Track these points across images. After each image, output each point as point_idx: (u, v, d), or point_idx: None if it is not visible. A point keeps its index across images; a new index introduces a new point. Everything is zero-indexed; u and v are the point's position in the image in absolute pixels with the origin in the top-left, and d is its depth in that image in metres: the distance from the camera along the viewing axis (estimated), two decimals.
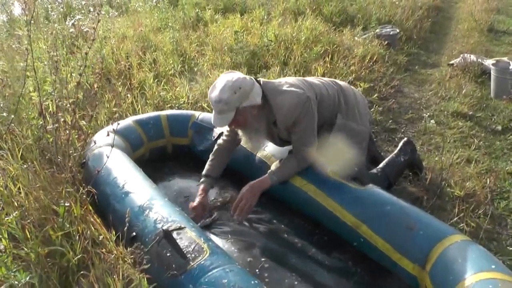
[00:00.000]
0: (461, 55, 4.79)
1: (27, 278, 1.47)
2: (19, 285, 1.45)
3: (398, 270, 1.87)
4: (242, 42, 4.52)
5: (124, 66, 4.04)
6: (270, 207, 2.37)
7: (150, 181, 2.16)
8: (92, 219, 1.95)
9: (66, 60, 3.77)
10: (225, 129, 2.40)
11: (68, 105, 2.61)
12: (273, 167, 2.27)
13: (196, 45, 5.04)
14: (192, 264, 1.58)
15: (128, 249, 1.73)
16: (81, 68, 2.51)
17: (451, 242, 1.74)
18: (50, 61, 3.16)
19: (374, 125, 3.43)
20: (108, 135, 2.41)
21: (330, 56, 4.41)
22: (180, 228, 1.74)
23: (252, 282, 1.53)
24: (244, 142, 2.43)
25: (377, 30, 5.36)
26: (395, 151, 2.63)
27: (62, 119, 2.49)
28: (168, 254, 1.65)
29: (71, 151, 2.37)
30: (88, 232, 1.83)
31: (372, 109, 3.61)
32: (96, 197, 2.08)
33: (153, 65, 4.39)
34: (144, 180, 2.13)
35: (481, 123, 3.54)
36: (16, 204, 1.87)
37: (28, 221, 1.77)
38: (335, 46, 4.71)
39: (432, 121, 3.57)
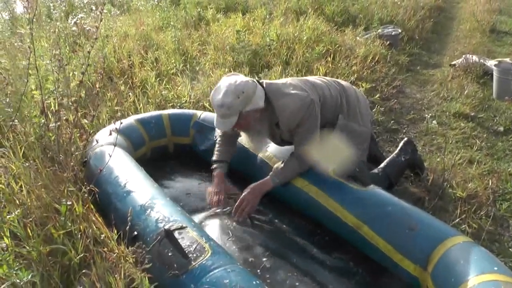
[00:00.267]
0: (463, 56, 4.78)
1: (29, 277, 1.47)
2: (21, 283, 1.45)
3: (399, 271, 1.87)
4: (244, 42, 4.52)
5: (126, 65, 4.04)
6: (271, 208, 2.37)
7: (151, 180, 2.15)
8: (93, 218, 1.95)
9: (68, 59, 3.76)
10: None
11: (70, 104, 2.61)
12: (274, 169, 2.27)
13: (198, 44, 5.04)
14: (194, 264, 1.58)
15: (130, 248, 1.73)
16: (83, 66, 2.51)
17: (453, 243, 1.74)
18: (52, 60, 3.16)
19: (376, 126, 3.42)
20: (110, 134, 2.41)
21: (332, 56, 4.41)
22: (181, 228, 1.74)
23: (254, 282, 1.52)
24: (246, 142, 2.43)
25: (379, 30, 5.35)
26: (396, 151, 2.63)
27: (64, 118, 2.49)
28: (169, 254, 1.65)
29: (73, 150, 2.37)
30: (90, 231, 1.82)
31: (374, 110, 3.61)
32: (97, 196, 2.08)
33: (155, 64, 4.39)
34: (146, 179, 2.13)
35: (483, 124, 3.53)
36: (18, 202, 1.87)
37: (30, 219, 1.77)
38: (337, 46, 4.71)
39: (434, 121, 3.56)
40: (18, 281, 1.45)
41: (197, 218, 2.31)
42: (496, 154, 3.08)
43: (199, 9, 6.38)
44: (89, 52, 2.30)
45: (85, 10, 6.20)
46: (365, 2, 6.62)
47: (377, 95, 3.92)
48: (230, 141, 2.44)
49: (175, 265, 1.60)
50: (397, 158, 2.58)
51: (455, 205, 2.43)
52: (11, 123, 2.41)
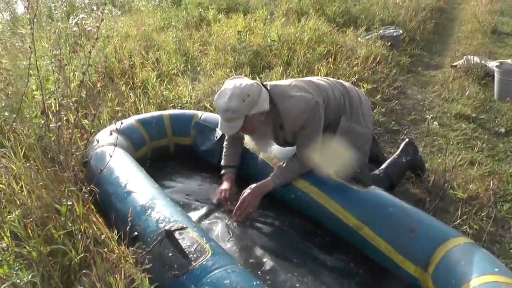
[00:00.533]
0: (465, 57, 4.77)
1: (29, 277, 1.47)
2: (21, 283, 1.45)
3: (400, 272, 1.87)
4: (245, 42, 4.52)
5: (127, 65, 4.04)
6: (272, 208, 2.36)
7: (152, 180, 2.15)
8: (94, 218, 1.95)
9: (69, 59, 3.77)
10: None
11: (71, 104, 2.61)
12: (275, 169, 2.27)
13: (199, 44, 5.04)
14: (194, 264, 1.58)
15: (130, 248, 1.73)
16: (84, 67, 2.51)
17: (453, 244, 1.74)
18: (53, 60, 3.16)
19: (377, 127, 3.42)
20: (111, 134, 2.41)
21: (333, 57, 4.40)
22: (182, 228, 1.74)
23: (254, 282, 1.52)
24: (249, 144, 2.43)
25: (380, 31, 5.35)
26: (397, 152, 2.62)
27: (65, 118, 2.49)
28: (170, 254, 1.65)
29: (73, 150, 2.37)
30: (90, 231, 1.82)
31: (375, 110, 3.60)
32: (98, 196, 2.08)
33: (156, 64, 4.39)
34: (146, 180, 2.13)
35: (484, 125, 3.53)
36: (18, 202, 1.87)
37: (30, 219, 1.77)
38: (338, 46, 4.71)
39: (435, 122, 3.56)
40: (18, 281, 1.45)
41: (197, 218, 2.31)
42: (497, 156, 3.07)
43: (200, 10, 6.38)
44: (89, 52, 2.30)
45: (86, 10, 6.21)
46: (367, 3, 6.61)
47: (378, 96, 3.91)
48: (237, 142, 2.46)
49: (175, 266, 1.60)
50: (398, 159, 2.57)
51: (456, 206, 2.42)
52: (12, 123, 2.41)
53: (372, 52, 4.69)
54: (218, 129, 2.64)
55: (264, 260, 2.02)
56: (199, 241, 1.68)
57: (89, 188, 2.02)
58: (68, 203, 1.81)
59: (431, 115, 3.69)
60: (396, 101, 3.95)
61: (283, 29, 5.13)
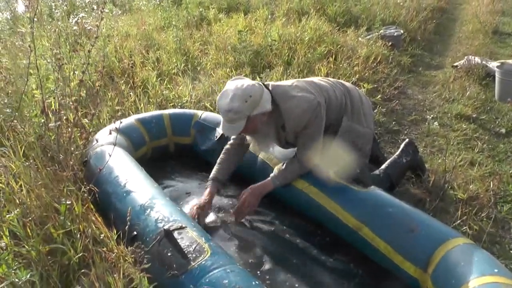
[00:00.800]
0: (465, 57, 4.77)
1: (28, 276, 1.47)
2: (20, 282, 1.45)
3: (399, 272, 1.86)
4: (245, 42, 4.51)
5: (127, 64, 4.03)
6: (272, 208, 2.36)
7: (151, 180, 2.15)
8: (93, 218, 1.95)
9: (69, 58, 3.77)
10: None
11: (71, 103, 2.61)
12: (275, 170, 2.26)
13: (199, 44, 5.04)
14: (193, 264, 1.57)
15: (129, 248, 1.72)
16: (84, 66, 2.51)
17: (453, 245, 1.74)
18: (53, 59, 3.16)
19: (377, 127, 3.42)
20: (110, 133, 2.40)
21: (333, 57, 4.40)
22: (181, 228, 1.74)
23: (253, 283, 1.52)
24: (251, 146, 2.42)
25: (381, 31, 5.34)
26: (397, 152, 2.62)
27: (65, 117, 2.49)
28: (169, 254, 1.64)
29: (72, 149, 2.37)
30: (89, 230, 1.82)
31: (376, 110, 3.60)
32: (97, 195, 2.07)
33: (156, 63, 4.39)
34: (146, 179, 2.13)
35: (485, 126, 3.52)
36: (17, 201, 1.87)
37: (30, 218, 1.77)
38: (338, 46, 4.70)
39: (436, 123, 3.55)
40: (17, 280, 1.45)
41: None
42: (498, 156, 3.07)
43: (201, 9, 6.38)
44: (89, 51, 2.30)
45: (86, 9, 6.21)
46: (368, 2, 6.60)
47: (379, 96, 3.91)
48: (233, 159, 2.35)
49: (174, 265, 1.60)
50: (399, 159, 2.57)
51: (456, 206, 2.42)
52: (11, 122, 2.41)
53: (372, 52, 4.68)
54: (218, 129, 2.65)
55: (264, 260, 2.01)
56: (198, 241, 1.67)
57: (88, 187, 2.02)
58: (67, 202, 1.80)
59: (432, 115, 3.68)
60: (397, 101, 3.95)
61: (283, 28, 5.13)
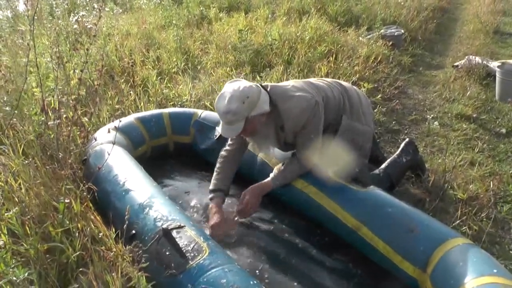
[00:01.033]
0: (466, 57, 4.76)
1: (26, 274, 1.46)
2: (18, 281, 1.45)
3: (399, 272, 1.86)
4: (246, 41, 4.51)
5: (128, 63, 4.03)
6: (271, 208, 2.36)
7: (150, 179, 2.15)
8: (92, 216, 1.94)
9: (69, 56, 3.76)
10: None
11: (71, 101, 2.61)
12: (275, 170, 2.26)
13: (200, 43, 5.04)
14: (191, 263, 1.57)
15: (128, 247, 1.72)
16: (84, 64, 2.51)
17: (452, 245, 1.73)
18: (52, 57, 3.16)
19: (377, 126, 3.41)
20: (109, 132, 2.40)
21: (334, 56, 4.39)
22: (179, 227, 1.73)
23: (251, 282, 1.52)
24: (251, 147, 2.42)
25: (382, 31, 5.34)
26: (397, 152, 2.61)
27: (64, 116, 2.48)
28: (167, 253, 1.64)
29: (72, 148, 2.37)
30: (88, 229, 1.82)
31: (376, 110, 3.59)
32: (96, 194, 2.07)
33: (156, 62, 4.39)
34: (145, 178, 2.13)
35: (485, 126, 3.51)
36: (16, 199, 1.87)
37: (28, 217, 1.76)
38: (339, 46, 4.70)
39: (436, 123, 3.55)
40: (14, 278, 1.44)
41: (196, 217, 2.31)
42: (498, 156, 3.06)
43: (201, 8, 6.37)
44: (87, 50, 2.29)
45: (87, 8, 6.20)
46: (368, 2, 6.60)
47: (379, 96, 3.90)
48: (231, 165, 2.32)
49: (172, 264, 1.60)
50: (399, 159, 2.56)
51: (456, 206, 2.41)
52: (10, 120, 2.41)
53: (373, 51, 4.68)
54: (217, 128, 2.64)
55: (262, 259, 2.01)
56: (196, 240, 1.67)
57: (87, 186, 2.02)
58: (66, 200, 1.80)
59: (432, 115, 3.68)
60: (397, 101, 3.94)
61: (284, 28, 5.12)
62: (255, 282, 1.53)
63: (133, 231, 1.80)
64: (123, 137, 2.54)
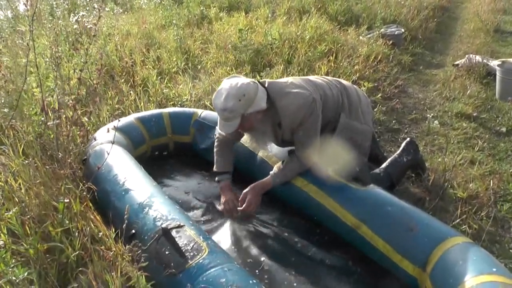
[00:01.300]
0: (466, 56, 4.75)
1: (25, 274, 1.46)
2: (17, 280, 1.45)
3: (398, 271, 1.86)
4: (246, 40, 4.51)
5: (128, 63, 4.03)
6: (271, 207, 2.36)
7: (150, 178, 2.15)
8: (91, 216, 1.94)
9: (69, 56, 3.77)
10: None
11: (70, 101, 2.61)
12: (275, 168, 2.27)
13: (200, 42, 5.04)
14: (191, 262, 1.57)
15: (127, 246, 1.72)
16: (83, 64, 2.51)
17: (452, 244, 1.73)
18: (52, 57, 3.16)
19: (377, 125, 3.41)
20: (109, 132, 2.40)
21: (334, 55, 4.39)
22: (179, 226, 1.74)
23: (251, 281, 1.52)
24: (248, 142, 2.43)
25: (382, 30, 5.33)
26: (398, 151, 2.61)
27: (64, 116, 2.49)
28: (166, 252, 1.64)
29: (71, 148, 2.37)
30: (88, 228, 1.82)
31: (376, 109, 3.59)
32: (96, 194, 2.08)
33: (156, 62, 4.39)
34: (145, 178, 2.13)
35: (485, 125, 3.51)
36: (16, 199, 1.87)
37: (28, 217, 1.77)
38: (339, 45, 4.69)
39: (436, 121, 3.54)
40: (14, 278, 1.44)
41: (195, 216, 2.31)
42: (498, 155, 3.06)
43: (202, 8, 6.37)
44: (86, 49, 2.30)
45: (87, 8, 6.21)
46: (369, 1, 6.59)
47: (379, 95, 3.90)
48: (229, 148, 2.42)
49: (172, 264, 1.60)
50: (399, 158, 2.56)
51: (456, 205, 2.41)
52: (9, 120, 2.41)
53: (373, 50, 4.68)
54: (217, 127, 2.64)
55: (262, 258, 2.01)
56: (196, 240, 1.67)
57: (87, 185, 2.02)
58: (66, 200, 1.80)
59: (432, 114, 3.67)
60: (397, 100, 3.94)
61: (284, 27, 5.12)
62: (254, 281, 1.53)
63: (133, 231, 1.80)
64: (123, 137, 2.55)
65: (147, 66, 4.22)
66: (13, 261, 1.55)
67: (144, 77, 3.90)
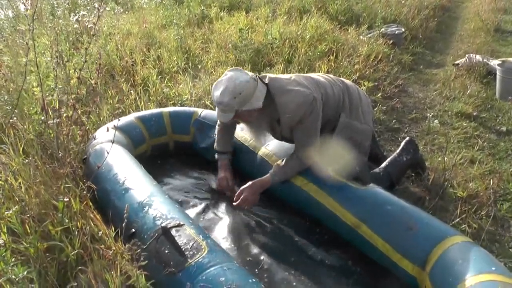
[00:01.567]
0: (467, 55, 4.75)
1: (25, 273, 1.47)
2: (17, 279, 1.45)
3: (398, 270, 1.86)
4: (246, 40, 4.51)
5: (127, 62, 4.04)
6: (270, 206, 2.36)
7: (150, 177, 2.15)
8: (91, 215, 1.95)
9: (69, 56, 3.77)
10: None
11: (71, 100, 2.61)
12: (275, 167, 2.27)
13: (200, 42, 5.04)
14: (190, 261, 1.58)
15: (127, 245, 1.72)
16: (83, 63, 2.51)
17: (451, 243, 1.73)
18: (53, 56, 3.16)
19: (378, 125, 3.41)
20: (108, 131, 2.40)
21: (334, 55, 4.39)
22: (179, 225, 1.74)
23: (250, 280, 1.52)
24: (248, 141, 2.45)
25: (383, 29, 5.33)
26: (397, 151, 2.61)
27: (64, 115, 2.49)
28: (166, 251, 1.65)
29: (71, 147, 2.37)
30: (88, 227, 1.82)
31: (376, 108, 3.59)
32: (96, 193, 2.08)
33: (157, 61, 4.39)
34: (145, 177, 2.13)
35: (485, 124, 3.51)
36: (16, 198, 1.87)
37: (28, 215, 1.77)
38: (340, 44, 4.69)
39: (436, 121, 3.54)
40: (14, 277, 1.45)
41: (195, 215, 2.31)
42: (498, 154, 3.06)
43: (202, 7, 6.37)
44: (86, 49, 2.30)
45: (88, 7, 6.21)
46: (369, 1, 6.59)
47: (379, 94, 3.90)
48: (229, 130, 2.52)
49: (171, 263, 1.60)
50: (399, 157, 2.56)
51: (456, 205, 2.41)
52: (9, 119, 2.42)
53: (373, 50, 4.67)
54: (217, 127, 2.65)
55: (262, 257, 2.01)
56: (195, 239, 1.68)
57: (87, 184, 2.03)
58: (65, 199, 1.81)
59: (432, 114, 3.67)
60: (397, 99, 3.94)
61: (284, 27, 5.12)
62: (254, 280, 1.54)
63: (133, 230, 1.81)
64: (123, 136, 2.55)
65: (147, 66, 4.22)
66: (13, 259, 1.55)
67: (145, 76, 3.90)
